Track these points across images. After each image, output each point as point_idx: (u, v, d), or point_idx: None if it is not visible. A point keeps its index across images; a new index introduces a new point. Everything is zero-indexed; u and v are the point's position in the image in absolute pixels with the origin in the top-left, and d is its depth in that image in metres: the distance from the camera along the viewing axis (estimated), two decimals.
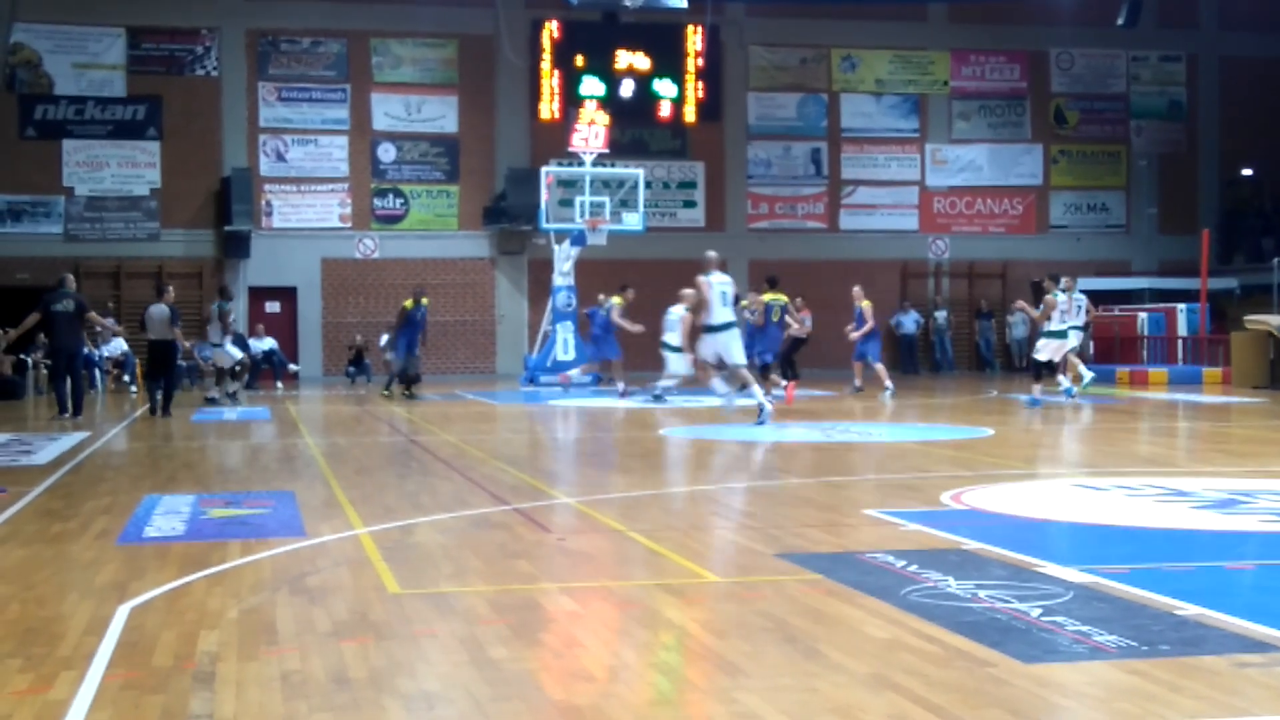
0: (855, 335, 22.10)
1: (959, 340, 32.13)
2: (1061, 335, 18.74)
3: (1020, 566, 6.53)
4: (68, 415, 17.61)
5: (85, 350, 20.93)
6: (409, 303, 22.50)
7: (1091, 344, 28.70)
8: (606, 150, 26.47)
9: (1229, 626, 5.23)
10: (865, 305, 22.01)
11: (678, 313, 19.42)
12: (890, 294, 31.65)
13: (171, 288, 19.58)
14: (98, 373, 24.38)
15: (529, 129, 30.27)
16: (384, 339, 28.14)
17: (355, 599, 6.01)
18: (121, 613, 5.73)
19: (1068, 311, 18.89)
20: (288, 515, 8.65)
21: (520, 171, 29.31)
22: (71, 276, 19.75)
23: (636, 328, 21.52)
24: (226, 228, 28.42)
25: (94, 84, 28.68)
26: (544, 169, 26.66)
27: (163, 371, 18.44)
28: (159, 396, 18.22)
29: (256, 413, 19.10)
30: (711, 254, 16.49)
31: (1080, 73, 33.07)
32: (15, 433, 15.64)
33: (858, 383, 22.41)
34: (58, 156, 28.46)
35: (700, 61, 30.72)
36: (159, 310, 18.34)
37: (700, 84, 30.69)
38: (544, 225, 26.11)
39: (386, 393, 22.27)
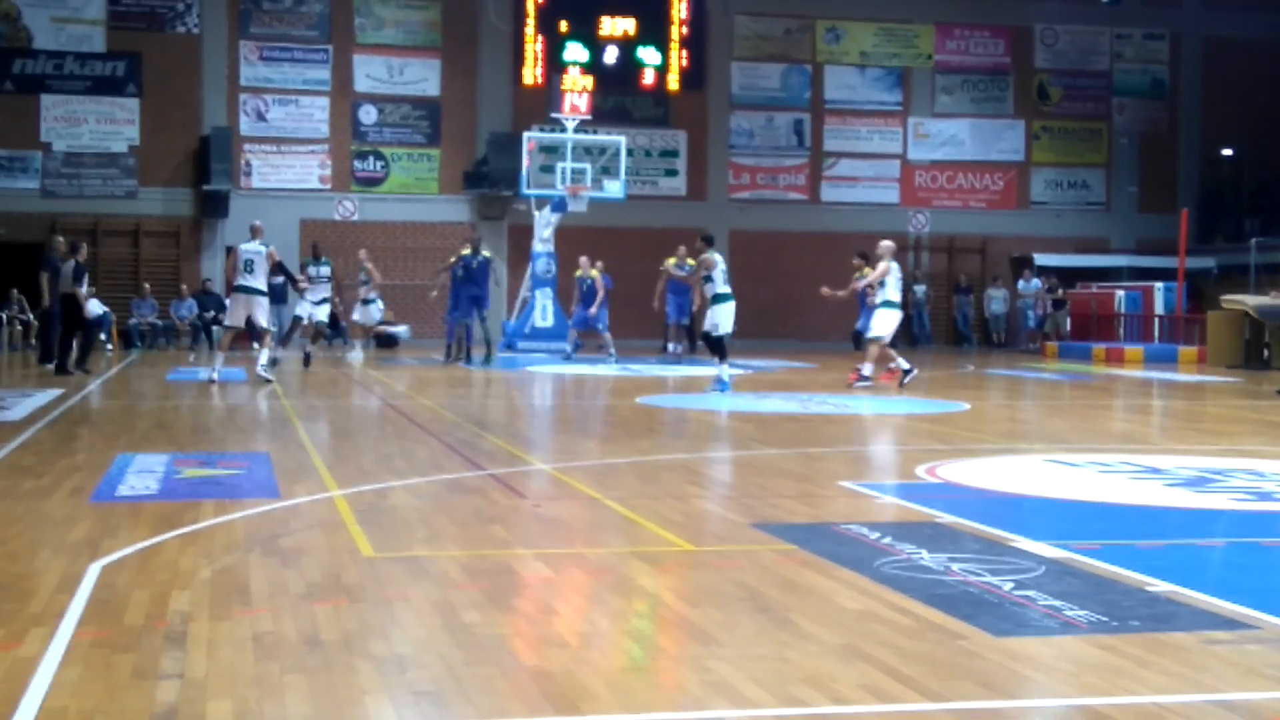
0: (593, 310, 22.22)
1: (937, 314, 32.19)
2: None
3: (993, 541, 6.57)
4: (69, 366, 18.29)
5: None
6: (467, 250, 21.28)
7: (1068, 320, 28.85)
8: (589, 117, 26.34)
9: (1199, 604, 5.27)
10: (595, 275, 22.17)
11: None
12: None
13: (85, 246, 19.63)
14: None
15: (511, 94, 30.09)
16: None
17: (329, 561, 6.00)
18: (93, 571, 5.71)
19: None
20: (262, 476, 8.62)
21: (502, 136, 29.15)
22: (60, 239, 19.90)
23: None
24: (205, 187, 28.17)
25: (73, 39, 28.33)
26: (526, 134, 26.54)
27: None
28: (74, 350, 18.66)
29: (233, 374, 19.00)
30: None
31: (1064, 49, 33.04)
32: None
33: (567, 347, 22.87)
34: (35, 111, 28.13)
35: (685, 30, 30.61)
36: (66, 266, 18.54)
37: (684, 52, 30.59)
38: (525, 191, 26.01)
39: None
